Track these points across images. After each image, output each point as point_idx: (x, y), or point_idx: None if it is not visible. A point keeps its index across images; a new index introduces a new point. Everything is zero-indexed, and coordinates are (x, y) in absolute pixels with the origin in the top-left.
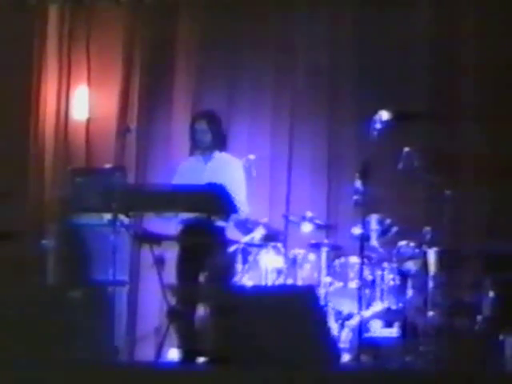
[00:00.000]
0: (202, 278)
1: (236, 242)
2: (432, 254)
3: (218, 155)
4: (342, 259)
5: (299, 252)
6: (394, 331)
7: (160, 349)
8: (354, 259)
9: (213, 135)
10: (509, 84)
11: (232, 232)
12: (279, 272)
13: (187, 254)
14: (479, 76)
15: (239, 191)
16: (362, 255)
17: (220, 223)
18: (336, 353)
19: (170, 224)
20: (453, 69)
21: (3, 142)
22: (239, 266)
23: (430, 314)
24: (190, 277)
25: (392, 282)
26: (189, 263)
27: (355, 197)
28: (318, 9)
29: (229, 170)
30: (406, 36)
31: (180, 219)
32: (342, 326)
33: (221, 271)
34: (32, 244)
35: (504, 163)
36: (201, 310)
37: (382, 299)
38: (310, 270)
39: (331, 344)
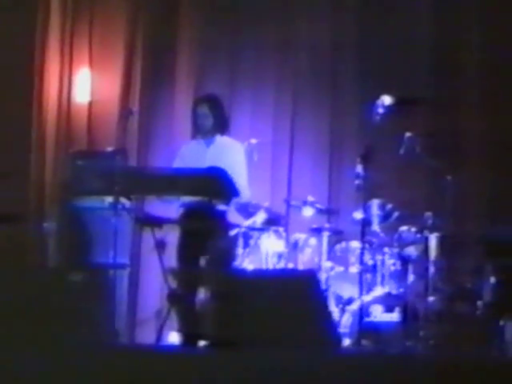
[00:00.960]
0: (202, 261)
1: (237, 225)
2: (433, 240)
3: (220, 139)
4: (343, 244)
5: (300, 236)
6: (394, 316)
7: (160, 332)
8: (355, 244)
9: (214, 119)
10: (510, 70)
11: (233, 216)
12: (280, 256)
13: (188, 237)
14: (481, 61)
15: (240, 175)
16: (363, 240)
17: (221, 207)
18: (337, 337)
19: (171, 207)
20: (455, 54)
21: (5, 124)
22: (240, 250)
23: (431, 299)
24: (190, 260)
25: (393, 267)
26: (189, 247)
27: (357, 181)
28: None
29: (230, 153)
30: (408, 21)
31: (181, 203)
32: (342, 311)
33: (222, 255)
34: (33, 226)
35: (505, 149)
36: (201, 294)
37: (382, 284)
38: (311, 254)
39: (332, 328)
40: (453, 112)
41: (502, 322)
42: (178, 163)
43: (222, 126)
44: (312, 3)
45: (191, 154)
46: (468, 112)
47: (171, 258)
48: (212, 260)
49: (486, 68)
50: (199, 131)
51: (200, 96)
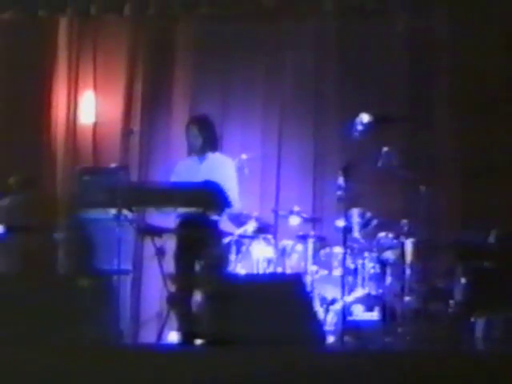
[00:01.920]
0: (197, 266)
1: (230, 233)
2: (409, 245)
3: (212, 156)
4: (327, 249)
5: (288, 243)
6: (374, 315)
7: (161, 332)
8: (338, 249)
9: (204, 139)
10: (479, 91)
11: (226, 225)
12: (269, 261)
13: (184, 245)
14: (452, 82)
15: (232, 188)
16: (344, 246)
17: (214, 217)
18: (322, 335)
19: (169, 218)
20: (428, 76)
21: (18, 143)
22: (233, 256)
23: (407, 298)
24: (186, 266)
25: (372, 270)
26: (185, 254)
27: (338, 192)
28: (304, 21)
29: (222, 168)
30: (385, 46)
31: (177, 214)
32: (326, 311)
33: (214, 260)
34: (44, 236)
35: (473, 162)
36: (197, 296)
37: (363, 286)
38: (298, 259)
39: (317, 327)
40: (426, 129)
41: (472, 319)
42: (174, 178)
43: (211, 144)
44: (297, 29)
45: (186, 170)
46: (440, 129)
47: (170, 264)
48: (206, 265)
49: (456, 88)
50: (192, 149)
51: (191, 118)
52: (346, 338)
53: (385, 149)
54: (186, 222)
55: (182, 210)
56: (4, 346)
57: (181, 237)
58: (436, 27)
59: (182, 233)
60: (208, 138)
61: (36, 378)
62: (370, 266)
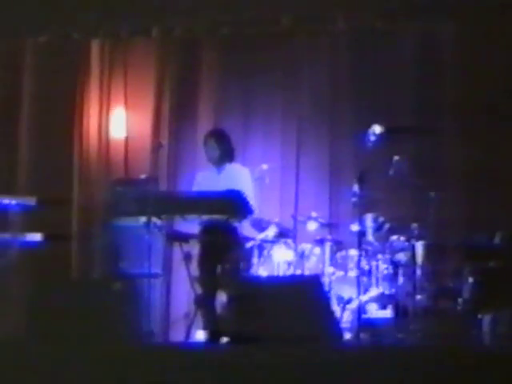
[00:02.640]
0: (219, 269)
1: (252, 238)
2: (419, 247)
3: (229, 166)
4: (343, 252)
5: (306, 247)
6: (388, 313)
7: (189, 331)
8: (353, 252)
9: (221, 151)
10: (485, 102)
11: (249, 230)
12: (289, 264)
13: (206, 250)
14: (459, 94)
15: (248, 195)
16: (359, 248)
17: (234, 223)
18: (339, 332)
19: (195, 225)
20: (436, 89)
21: (54, 157)
22: (255, 260)
23: (418, 297)
24: (209, 269)
25: (385, 271)
26: (208, 258)
27: (353, 199)
28: (318, 39)
29: (239, 178)
30: (395, 61)
31: (199, 221)
32: (343, 309)
33: (235, 264)
34: (80, 244)
35: (480, 169)
36: (222, 297)
37: (377, 286)
38: (316, 261)
39: (334, 324)
40: (434, 138)
41: (479, 316)
42: (195, 188)
43: (228, 155)
44: (312, 50)
45: (205, 180)
46: (447, 138)
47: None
48: (227, 268)
49: (463, 100)
50: (210, 161)
51: (208, 132)
52: (362, 335)
53: (396, 158)
54: (207, 229)
55: (206, 217)
56: (45, 346)
57: (203, 242)
58: (442, 43)
59: (205, 239)
60: (225, 150)
61: (75, 374)
62: (383, 267)
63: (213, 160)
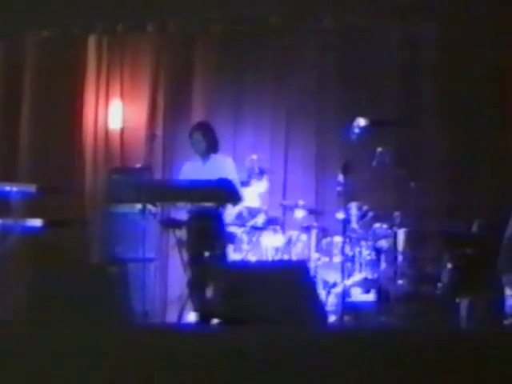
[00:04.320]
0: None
1: (243, 225)
2: (401, 234)
3: (214, 157)
4: (328, 239)
5: (293, 233)
6: (370, 297)
7: (182, 312)
8: (338, 239)
9: (206, 143)
10: (464, 95)
11: (239, 218)
12: (277, 250)
13: (195, 236)
14: (440, 89)
15: (234, 182)
16: (344, 235)
17: (221, 210)
18: (324, 314)
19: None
20: (417, 83)
21: (54, 147)
22: (245, 245)
23: (400, 282)
24: (198, 254)
25: (368, 257)
26: (197, 243)
27: (338, 188)
28: (306, 36)
29: (223, 167)
30: (379, 57)
31: (188, 209)
32: (328, 293)
33: (222, 249)
34: (78, 230)
35: (459, 160)
36: (212, 281)
37: (360, 271)
38: (302, 247)
39: (320, 307)
40: (416, 131)
41: (457, 300)
42: (181, 177)
43: (213, 147)
44: (300, 46)
45: (192, 170)
46: (428, 131)
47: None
48: (215, 253)
49: (443, 94)
50: (197, 152)
51: (194, 125)
52: (346, 317)
53: (379, 149)
54: (195, 216)
55: (197, 204)
56: (44, 328)
57: (192, 229)
58: (424, 40)
59: (193, 225)
60: (210, 142)
61: (68, 356)
62: (366, 254)
63: (199, 152)
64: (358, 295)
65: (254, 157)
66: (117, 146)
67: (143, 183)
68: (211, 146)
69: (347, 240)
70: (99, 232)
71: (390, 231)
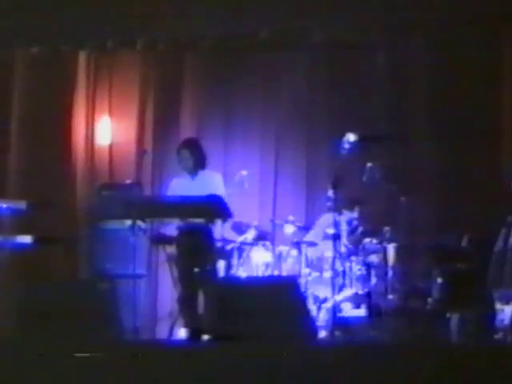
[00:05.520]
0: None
1: (232, 241)
2: (391, 249)
3: (202, 173)
4: (319, 254)
5: (284, 249)
6: (361, 312)
7: (172, 328)
8: (328, 254)
9: (194, 160)
10: (452, 113)
11: (229, 233)
12: (267, 265)
13: (185, 252)
14: (428, 106)
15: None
16: (334, 250)
17: (210, 226)
18: (314, 330)
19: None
20: (406, 100)
21: (43, 163)
22: (235, 261)
23: (390, 297)
24: (188, 270)
25: (359, 272)
26: (187, 259)
27: (328, 203)
28: (296, 50)
29: (211, 183)
30: (369, 73)
31: (177, 225)
32: (319, 308)
33: (212, 265)
34: (67, 246)
35: (447, 177)
36: (202, 297)
37: (351, 286)
38: (293, 263)
39: (310, 323)
40: (405, 147)
41: (448, 315)
42: (170, 193)
43: (200, 163)
44: (290, 61)
45: (180, 187)
46: (417, 147)
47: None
48: (205, 269)
49: (432, 111)
50: (184, 169)
51: (182, 142)
52: (336, 333)
53: (369, 164)
54: (185, 232)
55: (187, 220)
56: (33, 345)
57: (181, 245)
58: (413, 56)
59: (183, 241)
60: (198, 159)
61: (56, 371)
62: (356, 269)
63: (187, 169)
64: (349, 310)
65: (244, 172)
66: (106, 162)
67: (133, 199)
68: (199, 163)
69: (337, 255)
70: (89, 248)
71: (379, 246)
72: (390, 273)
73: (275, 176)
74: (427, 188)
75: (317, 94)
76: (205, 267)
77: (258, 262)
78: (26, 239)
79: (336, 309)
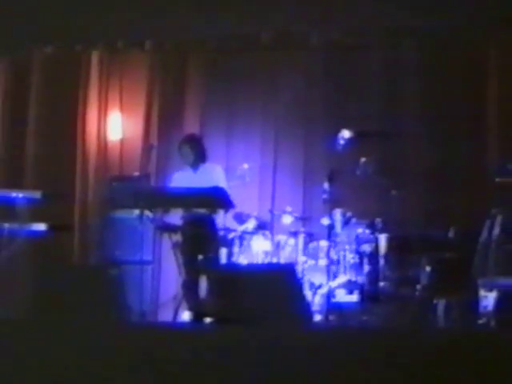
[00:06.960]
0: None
1: (234, 230)
2: (382, 239)
3: (203, 166)
4: (315, 243)
5: (282, 238)
6: (354, 297)
7: (177, 312)
8: (324, 243)
9: (195, 155)
10: (443, 110)
11: (231, 223)
12: (267, 253)
13: (189, 240)
14: (420, 103)
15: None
16: (329, 240)
17: (214, 216)
18: (310, 314)
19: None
20: (399, 98)
21: (58, 156)
22: (236, 249)
23: (382, 284)
24: (192, 257)
25: (352, 260)
26: (191, 247)
27: (324, 196)
28: (294, 52)
29: (212, 175)
30: (364, 72)
31: (182, 215)
32: (314, 294)
33: (215, 252)
34: (80, 234)
35: (435, 171)
36: (205, 282)
37: (344, 273)
38: (290, 251)
39: (306, 307)
40: (397, 143)
41: (435, 301)
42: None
43: (201, 157)
44: (289, 62)
45: (182, 179)
46: (409, 143)
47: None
48: (208, 256)
49: (423, 108)
50: (186, 164)
51: (183, 138)
52: (330, 317)
53: (362, 159)
54: (190, 221)
55: (191, 210)
56: (46, 327)
57: (186, 233)
58: (407, 55)
59: (188, 230)
60: (199, 153)
61: (67, 354)
62: (350, 257)
63: (188, 163)
64: (343, 296)
65: (245, 166)
66: (116, 156)
67: (141, 190)
68: (199, 157)
69: (332, 244)
70: (99, 236)
71: (372, 236)
72: (382, 261)
73: (274, 169)
74: (417, 182)
75: (315, 93)
76: (208, 254)
77: (257, 250)
78: (41, 227)
79: (330, 295)
